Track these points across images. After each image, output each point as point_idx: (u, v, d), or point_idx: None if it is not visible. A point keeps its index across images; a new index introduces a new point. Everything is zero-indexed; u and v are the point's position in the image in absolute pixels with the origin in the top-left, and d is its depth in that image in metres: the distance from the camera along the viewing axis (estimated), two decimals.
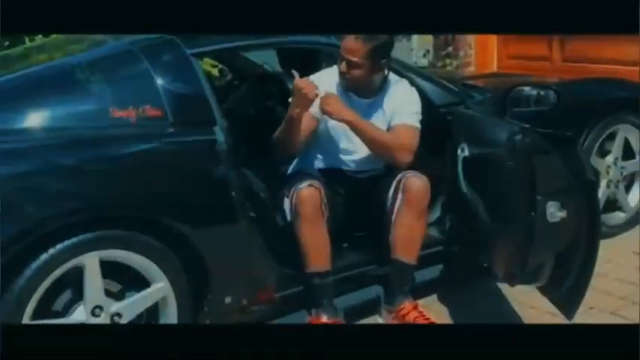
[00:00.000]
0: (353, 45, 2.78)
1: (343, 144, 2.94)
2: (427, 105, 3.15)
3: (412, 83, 3.08)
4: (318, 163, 2.98)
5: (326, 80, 2.87)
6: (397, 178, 2.85)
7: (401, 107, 2.92)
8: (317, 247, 2.74)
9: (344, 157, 2.97)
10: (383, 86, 2.94)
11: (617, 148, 3.71)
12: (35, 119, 2.45)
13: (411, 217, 2.81)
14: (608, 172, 3.69)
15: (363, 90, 2.90)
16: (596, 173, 3.49)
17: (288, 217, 2.81)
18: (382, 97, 2.94)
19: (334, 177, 2.94)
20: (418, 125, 2.91)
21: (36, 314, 2.25)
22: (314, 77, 2.89)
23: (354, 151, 2.96)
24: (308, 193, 2.71)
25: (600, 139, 3.64)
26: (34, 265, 2.22)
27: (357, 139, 2.88)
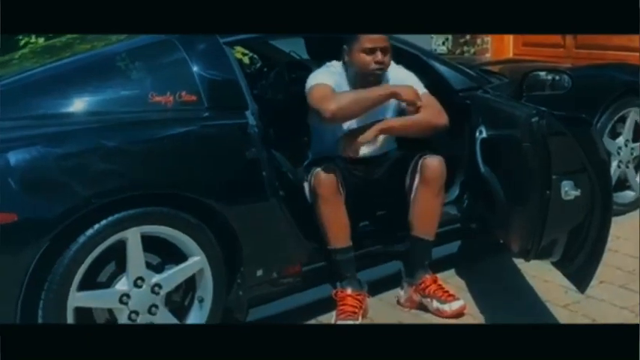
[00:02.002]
0: (378, 34, 2.77)
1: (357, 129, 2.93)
2: (447, 89, 3.15)
3: (425, 67, 3.10)
4: (335, 149, 2.96)
5: (335, 78, 2.83)
6: (414, 159, 2.84)
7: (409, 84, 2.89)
8: (336, 224, 2.74)
9: (360, 147, 2.93)
10: (384, 78, 2.90)
11: (627, 130, 3.70)
12: (80, 104, 2.47)
13: (428, 196, 2.81)
14: (619, 153, 3.68)
15: (372, 85, 2.84)
16: (608, 154, 3.45)
17: (309, 199, 2.81)
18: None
19: (352, 160, 2.92)
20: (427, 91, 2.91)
21: (82, 285, 2.28)
22: (320, 75, 2.85)
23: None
24: (325, 175, 2.72)
25: (612, 122, 3.62)
26: (81, 239, 2.24)
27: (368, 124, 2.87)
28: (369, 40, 2.77)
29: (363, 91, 2.76)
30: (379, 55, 2.77)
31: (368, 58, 2.78)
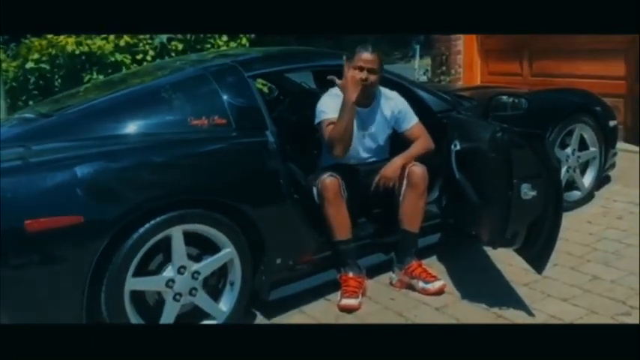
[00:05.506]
0: (370, 57, 2.80)
1: (356, 143, 2.92)
2: (428, 111, 3.14)
3: (410, 93, 3.09)
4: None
5: (336, 101, 2.80)
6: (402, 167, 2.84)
7: (403, 113, 2.94)
8: (339, 221, 2.73)
9: (358, 154, 2.95)
10: (377, 96, 2.92)
11: (574, 141, 3.68)
12: (133, 127, 2.48)
13: (413, 196, 2.81)
14: (567, 160, 3.66)
15: (366, 100, 2.84)
16: (559, 161, 3.44)
17: (317, 201, 2.80)
18: (377, 106, 2.91)
19: (352, 168, 2.93)
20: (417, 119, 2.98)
21: (136, 272, 2.28)
22: (325, 105, 2.83)
23: (365, 148, 2.96)
24: (329, 182, 2.71)
25: (561, 135, 3.61)
26: (135, 236, 2.25)
27: (366, 140, 2.92)
28: (360, 60, 2.79)
29: (347, 121, 2.71)
30: (365, 73, 2.78)
31: (357, 73, 2.78)
